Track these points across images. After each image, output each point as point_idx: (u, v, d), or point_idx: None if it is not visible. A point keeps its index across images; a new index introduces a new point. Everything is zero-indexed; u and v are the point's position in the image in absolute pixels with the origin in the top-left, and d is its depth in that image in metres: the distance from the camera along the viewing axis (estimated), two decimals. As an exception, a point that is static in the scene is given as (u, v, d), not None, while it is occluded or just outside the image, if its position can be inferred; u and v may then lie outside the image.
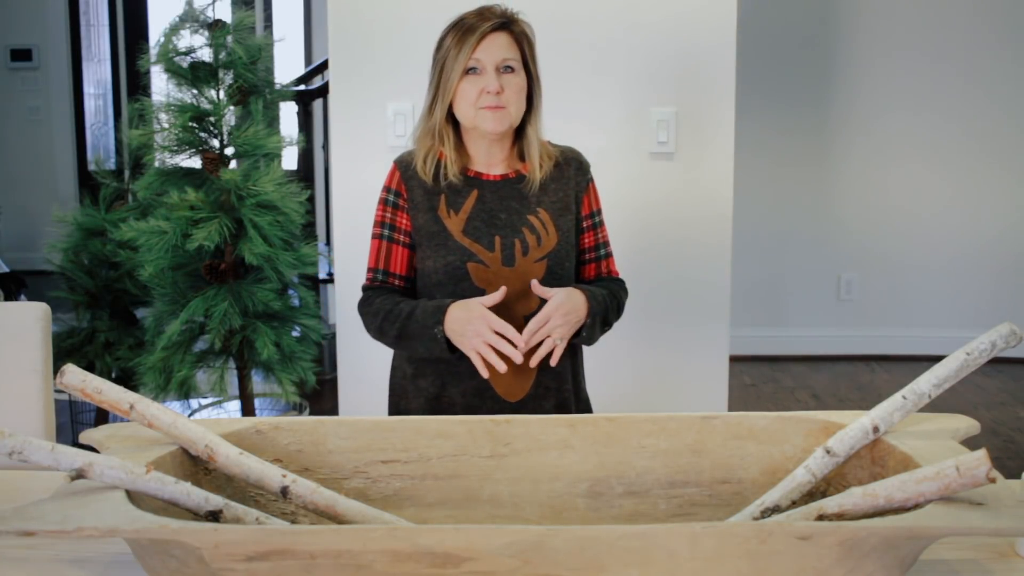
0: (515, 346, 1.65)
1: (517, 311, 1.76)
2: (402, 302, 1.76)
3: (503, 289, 1.69)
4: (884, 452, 1.26)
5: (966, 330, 4.54)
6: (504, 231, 1.78)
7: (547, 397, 1.79)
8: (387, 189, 1.84)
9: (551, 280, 1.78)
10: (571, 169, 1.86)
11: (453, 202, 1.79)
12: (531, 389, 1.77)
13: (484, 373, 1.67)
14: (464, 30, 1.75)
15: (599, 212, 1.90)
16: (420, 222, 1.80)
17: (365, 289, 1.84)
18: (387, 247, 1.82)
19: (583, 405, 1.91)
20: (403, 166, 1.84)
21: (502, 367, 1.65)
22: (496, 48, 1.75)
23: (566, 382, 1.82)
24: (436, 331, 1.69)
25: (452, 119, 1.81)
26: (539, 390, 1.78)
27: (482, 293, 1.75)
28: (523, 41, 1.78)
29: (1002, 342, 1.23)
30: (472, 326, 1.65)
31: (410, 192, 1.81)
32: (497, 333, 1.65)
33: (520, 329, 1.71)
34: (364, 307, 1.82)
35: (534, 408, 1.77)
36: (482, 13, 1.77)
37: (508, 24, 1.77)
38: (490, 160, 1.83)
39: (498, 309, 1.74)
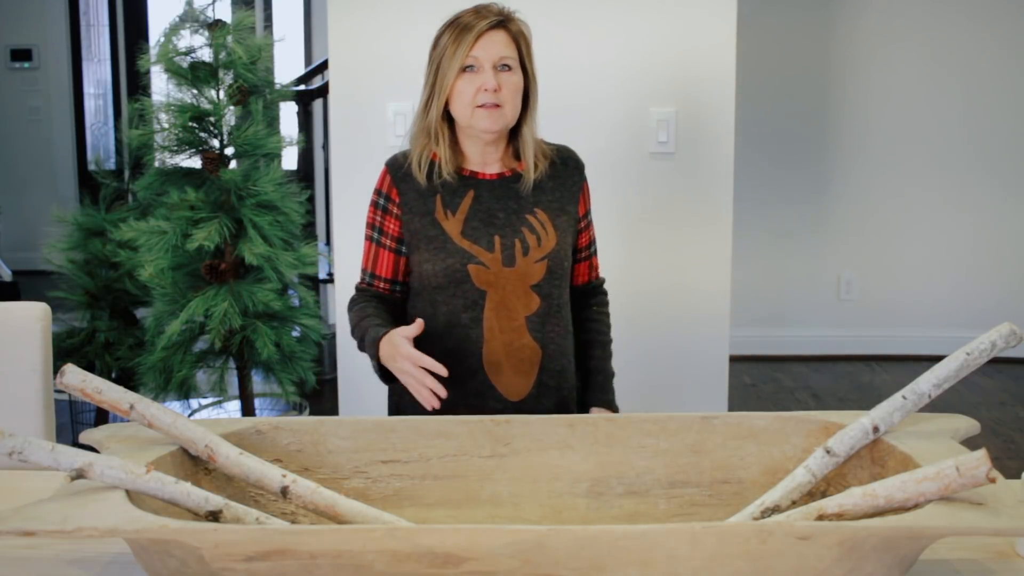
0: (440, 383, 1.59)
1: (518, 312, 1.77)
2: (366, 319, 1.76)
3: (420, 322, 1.63)
4: (884, 452, 1.26)
5: (966, 330, 4.52)
6: (503, 231, 1.78)
7: (548, 396, 1.80)
8: (378, 192, 1.83)
9: (550, 279, 1.79)
10: (568, 169, 1.87)
11: (449, 203, 1.78)
12: (532, 388, 1.77)
13: (429, 405, 1.60)
14: (461, 28, 1.74)
15: (590, 211, 1.92)
16: (416, 225, 1.79)
17: (356, 290, 1.87)
18: (375, 250, 1.83)
19: (581, 404, 1.92)
20: (395, 168, 1.83)
21: (435, 403, 1.59)
22: (493, 46, 1.74)
23: (566, 380, 1.83)
24: (373, 364, 1.74)
25: (447, 118, 1.80)
26: (540, 389, 1.78)
27: (483, 295, 1.75)
28: (520, 40, 1.78)
29: (1002, 342, 1.23)
30: (397, 364, 1.63)
31: (403, 195, 1.80)
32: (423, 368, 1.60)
33: (519, 328, 1.74)
34: (349, 309, 1.84)
35: (536, 407, 1.77)
36: (479, 11, 1.76)
37: (505, 22, 1.76)
38: (485, 159, 1.82)
39: (499, 308, 1.75)
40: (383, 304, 1.82)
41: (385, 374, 1.73)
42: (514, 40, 1.77)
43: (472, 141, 1.80)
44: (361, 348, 1.77)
